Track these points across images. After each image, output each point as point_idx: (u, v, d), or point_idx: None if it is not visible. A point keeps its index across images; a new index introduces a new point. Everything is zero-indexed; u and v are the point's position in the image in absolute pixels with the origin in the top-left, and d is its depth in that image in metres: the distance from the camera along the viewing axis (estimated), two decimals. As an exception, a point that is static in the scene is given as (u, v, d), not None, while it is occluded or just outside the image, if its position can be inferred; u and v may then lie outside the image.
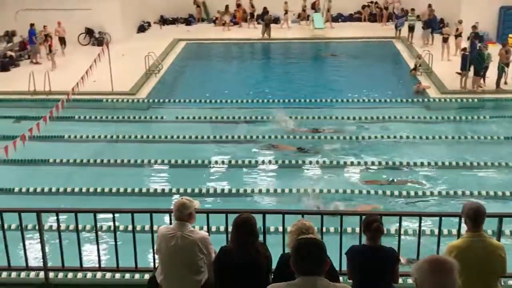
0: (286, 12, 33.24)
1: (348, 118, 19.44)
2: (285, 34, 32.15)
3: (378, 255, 5.80)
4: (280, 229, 7.12)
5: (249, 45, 31.38)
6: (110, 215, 7.58)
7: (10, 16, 28.89)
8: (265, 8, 32.22)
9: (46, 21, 27.13)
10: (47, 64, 25.02)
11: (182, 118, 19.85)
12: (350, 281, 5.98)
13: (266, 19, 31.49)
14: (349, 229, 9.03)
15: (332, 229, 9.15)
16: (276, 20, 34.04)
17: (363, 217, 6.31)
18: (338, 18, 34.84)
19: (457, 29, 26.28)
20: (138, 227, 7.17)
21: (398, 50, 28.71)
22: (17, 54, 27.06)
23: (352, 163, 16.09)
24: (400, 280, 6.18)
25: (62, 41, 27.56)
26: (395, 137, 17.77)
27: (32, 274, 8.14)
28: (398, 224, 7.46)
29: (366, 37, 31.03)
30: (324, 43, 31.20)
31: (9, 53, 26.46)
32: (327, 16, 33.29)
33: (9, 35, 28.33)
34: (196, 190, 14.44)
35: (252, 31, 32.49)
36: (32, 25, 26.83)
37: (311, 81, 24.64)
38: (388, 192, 14.27)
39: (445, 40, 25.68)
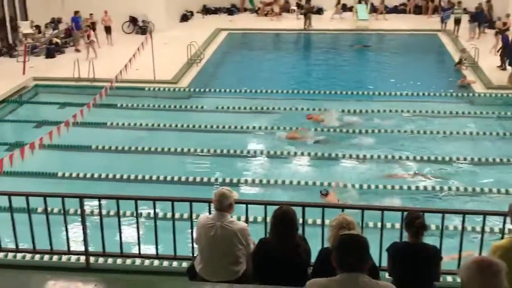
0: (338, 2, 33.05)
1: (390, 111, 19.17)
2: (328, 25, 31.84)
3: (421, 252, 5.68)
4: (319, 221, 7.07)
5: (291, 36, 31.18)
6: (151, 202, 7.64)
7: (57, 3, 29.40)
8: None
9: (92, 9, 27.57)
10: (90, 51, 25.33)
11: (222, 107, 19.89)
12: (390, 277, 5.89)
13: (306, 9, 31.25)
14: (370, 224, 8.83)
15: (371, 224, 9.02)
16: (319, 11, 33.76)
17: (405, 213, 6.20)
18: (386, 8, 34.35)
19: (504, 23, 25.57)
20: (177, 215, 7.18)
21: (443, 43, 28.14)
22: (62, 41, 27.51)
23: (393, 157, 15.85)
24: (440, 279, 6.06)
25: (108, 30, 27.69)
26: (438, 132, 17.44)
27: (73, 258, 8.29)
28: (440, 221, 7.30)
29: (411, 29, 30.52)
30: (368, 35, 30.81)
31: (55, 40, 26.92)
32: (379, 7, 32.91)
33: (55, 22, 28.82)
34: (235, 180, 14.47)
35: (295, 22, 32.28)
36: (76, 12, 27.23)
37: (352, 73, 24.39)
38: (437, 188, 14.01)
39: (497, 34, 25.00)
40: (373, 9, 33.32)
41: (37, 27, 27.29)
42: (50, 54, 25.73)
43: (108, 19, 27.66)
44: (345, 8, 34.29)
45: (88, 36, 25.56)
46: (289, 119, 18.85)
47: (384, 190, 14.01)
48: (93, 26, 26.93)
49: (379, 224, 7.41)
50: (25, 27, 26.71)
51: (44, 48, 26.22)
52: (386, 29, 30.96)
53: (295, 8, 34.35)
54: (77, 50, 26.38)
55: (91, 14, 27.11)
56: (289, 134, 17.46)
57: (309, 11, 31.34)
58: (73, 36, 27.45)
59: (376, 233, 7.13)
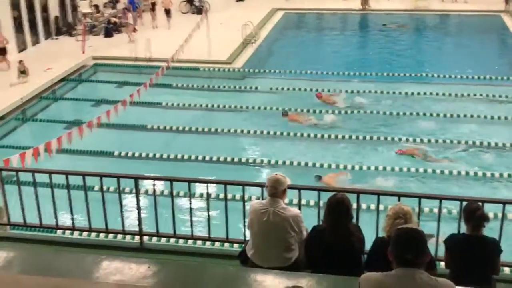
0: None
1: (444, 94, 18.68)
2: (387, 5, 31.09)
3: (480, 245, 5.47)
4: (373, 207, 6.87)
5: (348, 16, 30.62)
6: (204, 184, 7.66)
7: (115, -17, 29.79)
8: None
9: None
10: (147, 31, 25.53)
11: (277, 89, 19.78)
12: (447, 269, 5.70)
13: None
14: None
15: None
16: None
17: (464, 203, 5.97)
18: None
19: None
20: (230, 196, 7.17)
21: (506, 25, 27.07)
22: (120, 20, 27.87)
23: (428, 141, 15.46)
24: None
25: (168, 13, 27.41)
26: (492, 117, 16.84)
27: (128, 237, 8.42)
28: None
29: (472, 9, 29.45)
30: (426, 15, 29.98)
31: (113, 19, 27.30)
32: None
33: (114, 2, 29.24)
34: (288, 163, 14.40)
35: (353, 2, 31.63)
36: (133, -7, 27.53)
37: (409, 55, 23.83)
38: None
39: None
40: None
41: (96, 6, 27.74)
42: (108, 34, 26.15)
43: (168, 2, 27.33)
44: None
45: (126, 19, 25.18)
46: (349, 100, 18.62)
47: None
48: (152, 6, 27.07)
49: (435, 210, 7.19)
50: (84, 7, 27.21)
51: (103, 27, 26.65)
52: (446, 9, 30.02)
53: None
54: (134, 30, 26.66)
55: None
56: (292, 115, 17.34)
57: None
58: (132, 16, 27.74)
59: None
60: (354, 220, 5.76)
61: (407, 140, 15.61)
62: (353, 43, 26.62)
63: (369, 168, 14.19)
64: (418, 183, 13.41)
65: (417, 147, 15.24)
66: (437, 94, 18.77)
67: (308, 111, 17.71)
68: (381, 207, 6.79)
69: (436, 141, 15.50)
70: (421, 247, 3.69)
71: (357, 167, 14.25)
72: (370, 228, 6.41)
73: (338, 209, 5.29)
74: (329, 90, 19.26)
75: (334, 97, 18.64)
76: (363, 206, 9.45)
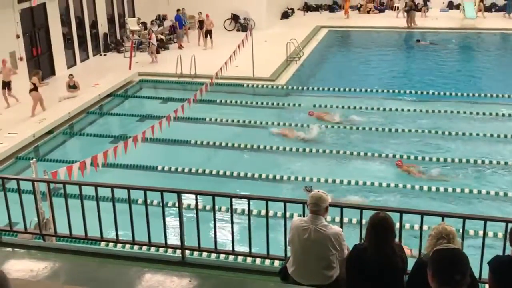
0: None
1: (490, 114, 18.42)
2: (433, 24, 30.80)
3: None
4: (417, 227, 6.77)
5: (393, 34, 30.43)
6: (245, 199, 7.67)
7: (163, 1, 30.40)
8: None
9: (196, 6, 28.16)
10: (192, 49, 25.88)
11: (320, 106, 19.75)
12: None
13: (409, 6, 30.37)
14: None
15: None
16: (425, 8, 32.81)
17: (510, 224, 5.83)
18: (492, 7, 32.79)
19: None
20: (271, 213, 7.19)
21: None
22: (167, 37, 28.37)
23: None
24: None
25: (209, 34, 27.13)
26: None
27: (169, 251, 8.51)
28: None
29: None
30: (476, 33, 29.54)
31: (159, 36, 27.81)
32: (479, 5, 31.45)
33: (161, 19, 29.80)
34: (330, 180, 14.34)
35: (398, 20, 31.43)
36: (178, 10, 27.97)
37: (454, 73, 23.53)
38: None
39: None
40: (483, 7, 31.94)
41: (144, 23, 28.34)
42: (156, 50, 26.58)
43: (209, 23, 27.22)
44: (452, 5, 33.07)
45: (149, 40, 24.87)
46: (389, 118, 18.48)
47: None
48: (200, 24, 27.42)
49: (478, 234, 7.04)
50: (132, 24, 27.83)
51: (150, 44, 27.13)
52: (493, 28, 29.53)
53: (398, 5, 33.56)
54: (180, 47, 27.10)
55: (199, 12, 27.59)
56: (282, 130, 17.62)
57: (412, 9, 30.45)
58: (176, 33, 28.22)
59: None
60: (396, 240, 5.71)
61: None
62: (398, 61, 26.40)
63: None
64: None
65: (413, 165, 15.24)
66: (477, 113, 18.57)
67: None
68: (407, 225, 6.70)
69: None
70: (467, 267, 3.63)
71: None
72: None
73: (382, 228, 5.23)
74: (378, 109, 19.17)
75: (327, 115, 18.61)
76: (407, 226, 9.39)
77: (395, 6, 33.91)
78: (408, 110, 19.06)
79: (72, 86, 20.27)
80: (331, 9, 34.84)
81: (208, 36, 27.18)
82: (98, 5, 26.47)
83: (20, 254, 7.35)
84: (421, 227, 6.69)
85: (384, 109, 19.19)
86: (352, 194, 13.67)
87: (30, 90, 18.89)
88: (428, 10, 32.75)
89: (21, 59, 21.17)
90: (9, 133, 17.04)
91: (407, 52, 28.51)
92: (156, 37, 27.40)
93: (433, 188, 13.85)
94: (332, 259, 5.51)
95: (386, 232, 5.26)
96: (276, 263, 8.11)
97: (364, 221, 6.44)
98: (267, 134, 17.77)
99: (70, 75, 20.65)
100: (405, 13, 30.67)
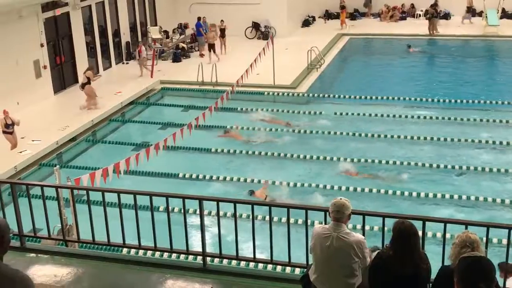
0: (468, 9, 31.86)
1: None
2: (455, 31, 30.56)
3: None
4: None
5: (414, 41, 30.20)
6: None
7: (184, 9, 30.63)
8: (434, 3, 30.88)
9: (217, 15, 28.31)
10: (213, 57, 25.97)
11: (341, 113, 19.71)
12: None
13: (430, 14, 30.17)
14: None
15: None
16: (447, 16, 32.57)
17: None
18: (513, 15, 32.51)
19: None
20: (292, 220, 7.19)
21: None
22: (188, 45, 28.54)
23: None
24: None
25: (212, 47, 26.28)
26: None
27: (191, 257, 8.54)
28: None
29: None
30: (497, 41, 29.26)
31: (181, 44, 28.01)
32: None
33: (182, 28, 30.01)
34: (351, 189, 14.32)
35: (420, 27, 31.20)
36: (199, 18, 28.14)
37: (477, 82, 23.35)
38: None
39: None
40: (505, 15, 31.64)
41: (165, 32, 28.55)
42: (176, 59, 26.83)
43: (212, 36, 26.46)
44: (474, 12, 32.80)
45: (139, 53, 24.36)
46: (406, 127, 18.38)
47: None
48: (222, 33, 27.54)
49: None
50: (154, 32, 28.04)
51: (171, 52, 27.36)
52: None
53: (420, 12, 33.41)
54: (201, 55, 27.24)
55: (221, 20, 27.70)
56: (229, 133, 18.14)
57: (434, 16, 30.26)
58: (197, 41, 28.36)
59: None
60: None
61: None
62: (419, 69, 26.23)
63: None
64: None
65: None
66: (500, 121, 18.37)
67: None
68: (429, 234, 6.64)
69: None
70: (493, 276, 3.59)
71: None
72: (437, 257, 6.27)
73: (409, 237, 5.18)
74: (400, 116, 19.08)
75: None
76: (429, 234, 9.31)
77: (417, 14, 33.74)
78: (431, 118, 18.94)
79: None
80: (352, 16, 34.75)
81: (212, 49, 26.36)
82: (120, 14, 26.75)
83: (44, 260, 7.44)
84: (444, 235, 6.63)
85: (406, 116, 19.10)
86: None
87: (83, 84, 20.11)
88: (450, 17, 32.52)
89: (44, 67, 21.45)
90: (33, 140, 17.27)
91: (429, 60, 28.31)
92: (178, 45, 27.61)
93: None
94: (355, 267, 5.47)
95: (413, 241, 5.21)
96: (297, 270, 8.09)
97: (386, 229, 6.44)
98: (289, 140, 17.78)
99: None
100: (428, 21, 30.44)
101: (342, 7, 32.33)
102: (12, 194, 7.59)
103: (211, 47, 26.22)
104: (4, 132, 16.74)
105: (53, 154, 17.12)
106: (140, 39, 28.17)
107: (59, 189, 8.98)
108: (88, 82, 20.23)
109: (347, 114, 19.64)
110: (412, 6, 34.17)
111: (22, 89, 19.99)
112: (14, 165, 15.76)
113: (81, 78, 21.07)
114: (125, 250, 9.00)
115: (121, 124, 20.01)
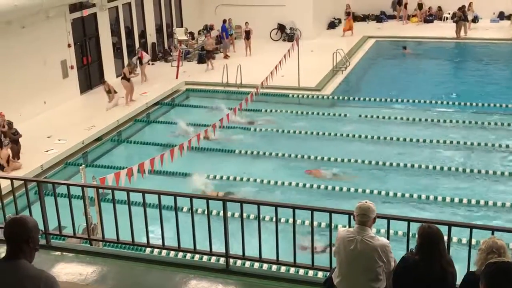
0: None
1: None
2: (483, 34, 30.15)
3: None
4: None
5: (441, 44, 29.91)
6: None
7: (210, 11, 30.75)
8: (462, 6, 30.51)
9: (243, 16, 28.38)
10: (238, 58, 26.00)
11: (366, 116, 19.59)
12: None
13: (458, 17, 29.81)
14: None
15: None
16: (475, 19, 32.17)
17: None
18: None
19: None
20: (315, 223, 7.16)
21: None
22: (213, 47, 28.58)
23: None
24: None
25: (210, 54, 26.22)
26: None
27: (214, 258, 8.54)
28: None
29: None
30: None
31: (206, 46, 28.05)
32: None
33: (208, 29, 30.09)
34: (383, 192, 14.27)
35: (447, 30, 30.85)
36: (224, 21, 28.22)
37: (503, 85, 23.05)
38: None
39: None
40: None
41: (191, 33, 28.67)
42: (201, 60, 26.91)
43: (209, 43, 26.36)
44: (503, 16, 32.38)
45: (141, 58, 23.92)
46: (433, 129, 18.21)
47: None
48: (247, 35, 27.59)
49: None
50: (180, 34, 28.21)
51: (196, 53, 27.46)
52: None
53: (448, 15, 33.05)
54: (226, 57, 27.30)
55: (246, 22, 27.80)
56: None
57: (461, 19, 29.89)
58: (222, 43, 28.44)
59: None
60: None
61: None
62: (445, 72, 25.97)
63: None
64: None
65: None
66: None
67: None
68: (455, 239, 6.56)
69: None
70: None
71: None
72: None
73: (431, 241, 5.13)
74: (426, 120, 18.91)
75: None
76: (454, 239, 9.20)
77: (444, 17, 33.39)
78: (457, 121, 18.75)
79: (109, 92, 20.99)
80: (378, 19, 34.54)
81: (211, 57, 26.30)
82: (147, 15, 26.95)
83: (69, 258, 7.52)
84: (469, 241, 6.55)
85: (432, 120, 18.93)
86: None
87: (121, 78, 21.24)
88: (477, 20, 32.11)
89: (71, 67, 21.71)
90: (59, 140, 17.48)
91: (456, 63, 27.99)
92: (203, 46, 27.68)
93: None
94: (379, 271, 5.42)
95: (440, 246, 5.15)
96: (320, 274, 8.04)
97: (410, 233, 6.38)
98: (313, 143, 17.73)
99: (104, 81, 21.43)
100: (455, 24, 30.09)
101: (348, 14, 31.32)
102: (39, 193, 7.68)
103: (209, 54, 26.00)
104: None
105: (78, 154, 17.31)
106: (166, 40, 28.36)
107: (84, 188, 9.06)
108: (124, 77, 20.97)
109: (372, 117, 19.51)
110: (440, 8, 33.84)
111: (49, 89, 20.26)
112: (41, 164, 15.97)
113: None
114: (148, 249, 9.03)
115: (146, 124, 20.15)
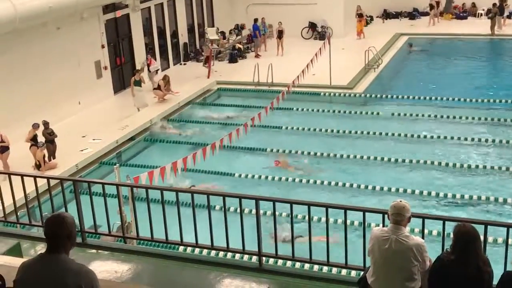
0: None
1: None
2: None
3: None
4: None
5: (475, 41, 29.40)
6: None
7: (241, 10, 30.83)
8: (500, 1, 29.90)
9: (274, 15, 28.38)
10: (269, 57, 25.99)
11: (399, 114, 19.41)
12: None
13: (493, 13, 29.25)
14: None
15: None
16: (510, 15, 31.55)
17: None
18: None
19: None
20: (348, 222, 7.12)
21: None
22: (244, 46, 28.69)
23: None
24: None
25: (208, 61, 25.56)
26: None
27: (246, 257, 8.57)
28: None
29: None
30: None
31: (237, 45, 28.18)
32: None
33: (239, 28, 30.19)
34: (417, 192, 14.17)
35: (482, 27, 30.27)
36: (256, 20, 28.24)
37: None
38: None
39: None
40: None
41: (222, 33, 28.78)
42: (233, 59, 27.01)
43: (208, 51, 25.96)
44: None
45: (149, 65, 23.42)
46: (465, 129, 17.93)
47: None
48: (279, 34, 27.58)
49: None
50: (211, 33, 28.32)
51: (228, 53, 27.57)
52: None
53: (482, 11, 32.50)
54: (258, 56, 27.33)
55: (279, 22, 27.77)
56: None
57: (496, 15, 29.32)
58: (254, 42, 28.48)
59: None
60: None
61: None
62: (480, 70, 25.52)
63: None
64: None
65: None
66: None
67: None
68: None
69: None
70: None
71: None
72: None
73: (467, 241, 5.05)
74: (460, 117, 18.63)
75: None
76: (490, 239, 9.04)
77: (479, 13, 32.83)
78: (492, 119, 18.45)
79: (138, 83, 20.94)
80: (411, 16, 34.14)
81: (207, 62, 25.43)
82: (178, 15, 27.15)
83: (104, 256, 7.62)
84: (506, 241, 6.43)
85: (460, 117, 18.67)
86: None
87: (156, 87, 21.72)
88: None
89: (105, 68, 22.01)
90: (93, 139, 17.73)
91: (490, 60, 27.50)
92: (234, 46, 27.76)
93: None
94: (414, 270, 5.37)
95: (476, 245, 5.08)
96: (353, 273, 7.99)
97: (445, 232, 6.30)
98: (345, 142, 17.65)
99: (135, 73, 21.35)
100: (490, 20, 29.53)
101: (360, 15, 29.94)
102: (74, 192, 7.79)
103: (207, 60, 25.54)
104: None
105: (112, 153, 17.53)
106: (197, 40, 28.52)
107: (119, 187, 9.17)
108: (158, 88, 21.47)
109: (405, 115, 19.31)
110: (473, 5, 33.29)
111: (83, 89, 20.58)
112: (76, 163, 16.22)
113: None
114: (181, 248, 9.09)
115: (178, 124, 20.30)
